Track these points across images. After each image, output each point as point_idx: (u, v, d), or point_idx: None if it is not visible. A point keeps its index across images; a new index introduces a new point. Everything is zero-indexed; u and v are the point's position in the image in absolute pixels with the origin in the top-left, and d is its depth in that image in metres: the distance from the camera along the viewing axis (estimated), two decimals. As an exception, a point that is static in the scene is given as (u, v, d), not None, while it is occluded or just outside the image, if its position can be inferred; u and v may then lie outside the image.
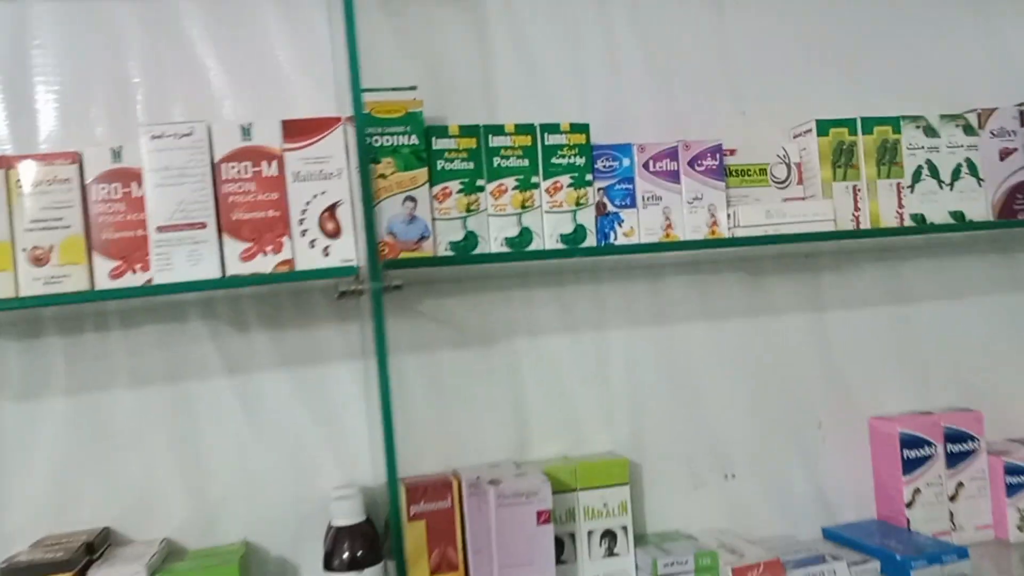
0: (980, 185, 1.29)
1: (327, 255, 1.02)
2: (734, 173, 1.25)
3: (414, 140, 1.10)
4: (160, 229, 0.98)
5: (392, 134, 1.09)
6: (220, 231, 0.99)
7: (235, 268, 0.99)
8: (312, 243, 1.01)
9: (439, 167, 1.12)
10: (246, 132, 1.01)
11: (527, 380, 1.26)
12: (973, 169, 1.29)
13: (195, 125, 0.99)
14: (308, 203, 1.02)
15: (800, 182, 1.29)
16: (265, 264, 1.00)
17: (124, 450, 1.14)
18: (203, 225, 0.99)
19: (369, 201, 0.87)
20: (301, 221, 1.01)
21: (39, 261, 0.99)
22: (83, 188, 1.00)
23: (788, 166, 1.28)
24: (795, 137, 1.31)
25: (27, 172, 0.98)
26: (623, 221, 1.19)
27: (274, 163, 1.01)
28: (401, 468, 1.19)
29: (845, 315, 1.39)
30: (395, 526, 0.86)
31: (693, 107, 1.34)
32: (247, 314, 1.17)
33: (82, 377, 1.13)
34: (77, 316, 1.13)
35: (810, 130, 1.26)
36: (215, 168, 1.00)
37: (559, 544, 1.16)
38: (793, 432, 1.36)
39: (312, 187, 1.02)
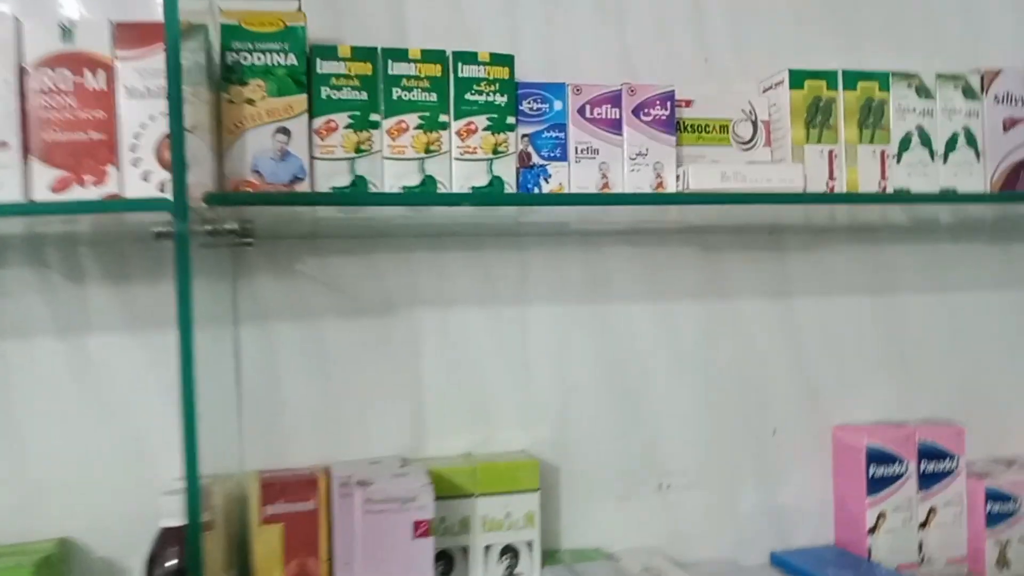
0: (979, 159, 1.09)
1: (163, 191, 0.82)
2: (688, 128, 1.05)
3: (292, 60, 0.89)
4: (-50, 146, 0.78)
5: (265, 51, 0.89)
6: (26, 153, 0.79)
7: (46, 198, 0.79)
8: (146, 176, 0.81)
9: (323, 95, 0.92)
10: (67, 33, 0.80)
11: (429, 360, 1.07)
12: (971, 140, 1.09)
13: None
14: (143, 126, 0.82)
15: (768, 143, 1.09)
16: (87, 196, 0.80)
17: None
18: (3, 144, 0.78)
19: (176, 107, 0.67)
20: (133, 148, 0.81)
21: None
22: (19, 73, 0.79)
23: (755, 124, 1.08)
24: (765, 91, 1.11)
25: None
26: (550, 176, 0.99)
27: (101, 74, 0.81)
28: (265, 459, 1.00)
29: (814, 303, 1.19)
30: (192, 531, 0.66)
31: (645, 46, 1.13)
32: (84, 262, 0.97)
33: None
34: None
35: (782, 82, 1.06)
36: (23, 75, 0.79)
37: (447, 560, 0.97)
38: (745, 437, 1.17)
39: (149, 106, 0.81)
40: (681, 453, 1.14)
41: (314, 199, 0.89)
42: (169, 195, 0.73)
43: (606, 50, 1.12)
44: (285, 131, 0.89)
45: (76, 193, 0.80)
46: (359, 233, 1.04)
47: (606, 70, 1.11)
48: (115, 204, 0.79)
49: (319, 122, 0.91)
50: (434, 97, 0.95)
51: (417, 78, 0.94)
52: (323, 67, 0.92)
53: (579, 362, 1.11)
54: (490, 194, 0.96)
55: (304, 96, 0.90)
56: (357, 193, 0.92)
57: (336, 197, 0.91)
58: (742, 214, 1.06)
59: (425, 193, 0.94)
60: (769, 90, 1.09)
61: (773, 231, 1.18)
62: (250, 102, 0.88)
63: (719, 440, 1.15)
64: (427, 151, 0.94)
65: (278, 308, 1.02)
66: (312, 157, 0.91)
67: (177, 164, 0.67)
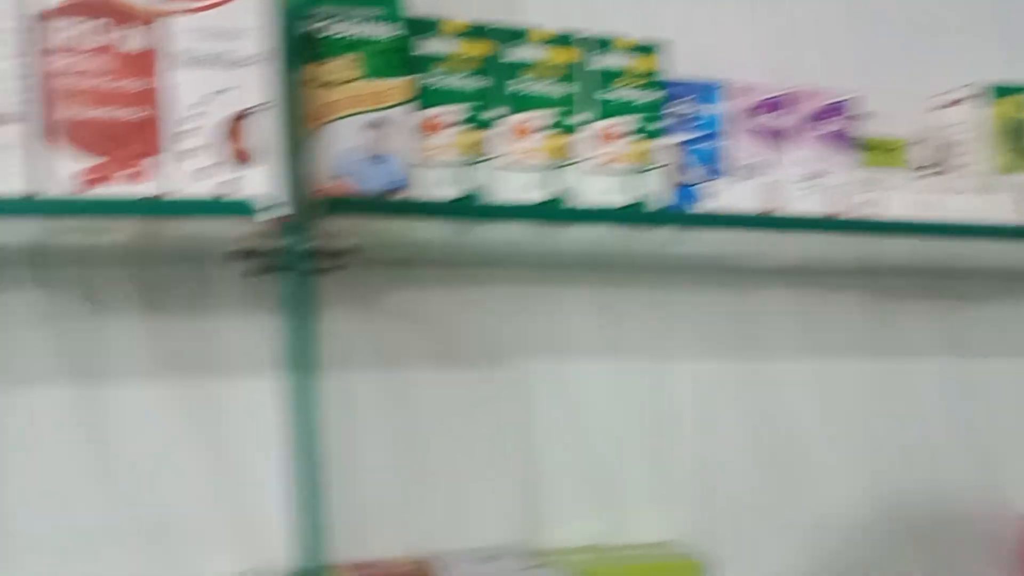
0: None
1: (227, 193, 0.59)
2: (870, 147, 0.84)
3: (389, 32, 0.68)
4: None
5: (353, 20, 0.68)
6: (42, 133, 0.57)
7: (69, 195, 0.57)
8: (204, 169, 0.59)
9: (429, 84, 0.70)
10: None
11: (545, 422, 0.84)
12: None
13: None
14: (201, 104, 0.60)
15: (947, 170, 0.88)
16: (121, 195, 0.58)
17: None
18: (6, 118, 0.56)
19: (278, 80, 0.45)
20: (188, 133, 0.59)
21: None
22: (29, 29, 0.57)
23: (935, 146, 0.88)
24: (942, 108, 0.90)
25: None
26: (702, 196, 0.78)
27: (141, 30, 0.59)
28: (339, 545, 0.76)
29: (1000, 364, 0.97)
30: None
31: (809, 45, 0.93)
32: (112, 287, 0.73)
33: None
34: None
35: (972, 97, 0.86)
36: (35, 29, 0.57)
37: None
38: (916, 526, 0.94)
39: (210, 78, 0.60)
40: (844, 549, 0.91)
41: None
42: (249, 198, 0.51)
43: (758, 39, 0.92)
44: (380, 124, 0.67)
45: (107, 191, 0.57)
46: (458, 261, 0.82)
47: (757, 63, 0.91)
48: (175, 205, 0.55)
49: (423, 117, 0.70)
50: (566, 91, 0.74)
51: (545, 66, 0.74)
52: (428, 46, 0.71)
53: (728, 428, 0.89)
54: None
55: (404, 81, 0.68)
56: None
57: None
58: (929, 253, 0.85)
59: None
60: (949, 107, 0.89)
61: (948, 277, 0.96)
62: (334, 85, 0.67)
63: (886, 528, 0.93)
64: (556, 159, 0.73)
65: (358, 352, 0.78)
66: (413, 162, 0.69)
67: (286, 159, 0.45)
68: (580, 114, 0.74)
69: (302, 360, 0.44)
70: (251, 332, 0.74)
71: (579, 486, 0.85)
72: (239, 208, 0.50)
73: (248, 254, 0.59)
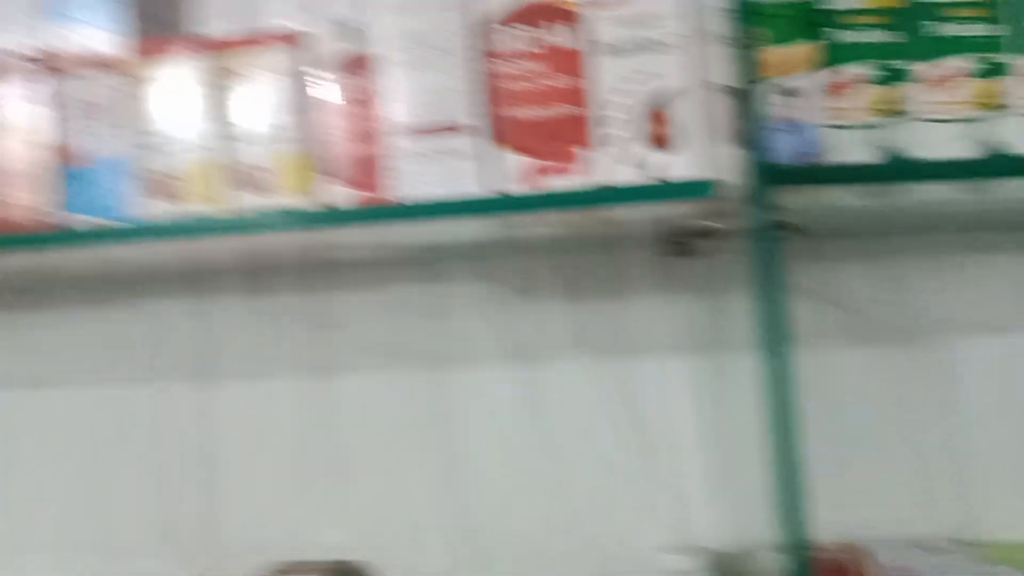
0: None
1: (651, 175, 0.62)
2: None
3: (798, -6, 0.67)
4: (401, 136, 0.64)
5: (763, -13, 0.67)
6: (489, 137, 0.64)
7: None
8: (629, 158, 0.63)
9: (835, 41, 0.68)
10: None
11: (976, 400, 0.78)
12: None
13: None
14: (623, 93, 0.63)
15: None
16: (553, 189, 0.63)
17: (371, 452, 0.84)
18: (462, 128, 0.64)
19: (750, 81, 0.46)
20: (612, 121, 0.63)
21: (253, 186, 0.70)
22: (309, 84, 0.69)
23: None
24: None
25: (235, 60, 0.70)
26: None
27: (570, 27, 0.63)
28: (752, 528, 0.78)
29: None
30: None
31: None
32: (534, 273, 0.81)
33: (319, 350, 0.85)
34: (313, 266, 0.85)
35: None
36: (478, 40, 0.64)
37: None
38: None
39: (630, 66, 0.63)
40: None
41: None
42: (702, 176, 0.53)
43: None
44: (794, 92, 0.66)
45: (542, 184, 0.63)
46: (874, 230, 0.78)
47: None
48: (634, 192, 0.59)
49: (829, 76, 0.67)
50: (990, 31, 0.67)
51: (967, 4, 0.67)
52: (837, 1, 0.68)
53: None
54: None
55: (814, 44, 0.66)
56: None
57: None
58: None
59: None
60: None
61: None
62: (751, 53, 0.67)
63: None
64: (985, 106, 0.66)
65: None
66: (823, 126, 0.67)
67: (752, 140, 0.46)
68: (1012, 54, 0.66)
69: (774, 337, 0.45)
70: (667, 313, 0.77)
71: (1018, 474, 0.77)
72: (686, 190, 0.52)
73: (689, 235, 0.62)
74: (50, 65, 0.72)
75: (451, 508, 0.82)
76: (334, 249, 0.78)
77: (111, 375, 0.88)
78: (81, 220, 0.71)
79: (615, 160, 0.62)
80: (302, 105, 0.68)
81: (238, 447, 0.86)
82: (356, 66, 0.67)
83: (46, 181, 0.72)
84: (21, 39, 0.85)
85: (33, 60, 0.73)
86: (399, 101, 0.64)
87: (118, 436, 0.88)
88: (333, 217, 0.64)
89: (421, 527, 0.83)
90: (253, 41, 0.70)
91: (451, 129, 0.63)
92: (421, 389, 0.83)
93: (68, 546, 0.88)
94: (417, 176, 0.64)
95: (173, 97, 0.70)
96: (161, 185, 0.70)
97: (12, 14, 0.84)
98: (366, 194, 0.67)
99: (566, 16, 0.63)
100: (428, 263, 0.83)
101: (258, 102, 0.69)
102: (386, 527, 0.83)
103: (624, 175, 0.62)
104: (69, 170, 0.72)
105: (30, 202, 0.72)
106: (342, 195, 0.68)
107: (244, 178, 0.69)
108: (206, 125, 0.69)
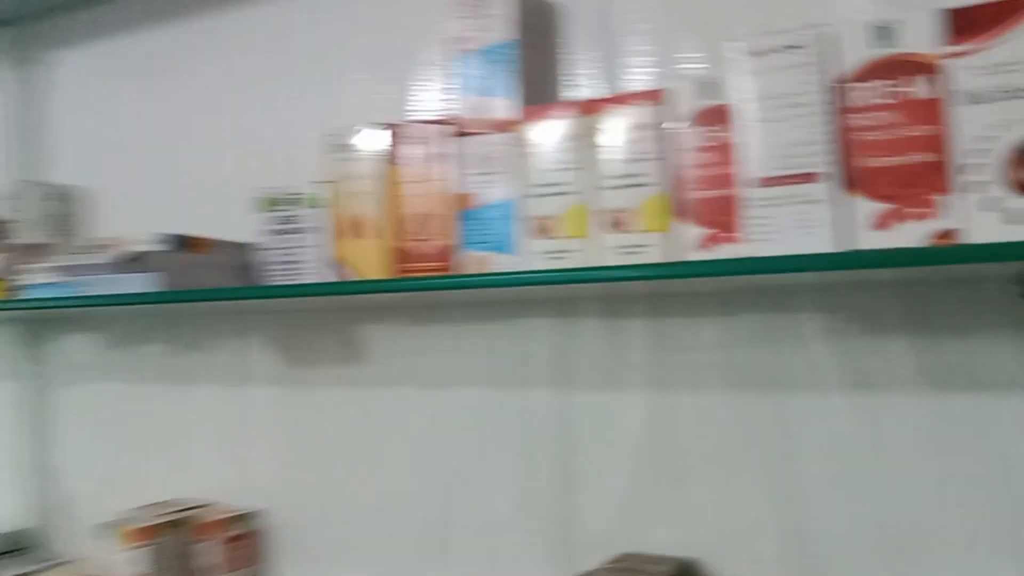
0: None
1: (1010, 223, 0.63)
2: None
3: None
4: (756, 184, 0.71)
5: None
6: (842, 185, 0.68)
7: (864, 239, 0.67)
8: (988, 203, 0.63)
9: None
10: (884, 34, 0.67)
11: None
12: None
13: (806, 34, 0.69)
14: (985, 140, 0.64)
15: None
16: (911, 234, 0.66)
17: (709, 463, 0.91)
18: (817, 177, 0.68)
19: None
20: (970, 168, 0.64)
21: (617, 226, 0.81)
22: (668, 136, 0.78)
23: None
24: None
25: (604, 119, 0.81)
26: None
27: (927, 79, 0.66)
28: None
29: None
30: None
31: None
32: (879, 308, 0.84)
33: (665, 369, 0.94)
34: (662, 295, 0.94)
35: None
36: (835, 93, 0.68)
37: None
38: None
39: (992, 113, 0.63)
40: None
41: None
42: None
43: None
44: None
45: (899, 231, 0.66)
46: None
47: None
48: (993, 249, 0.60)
49: None
50: None
51: None
52: None
53: None
54: None
55: None
56: None
57: None
58: None
59: None
60: None
61: None
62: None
63: None
64: None
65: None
66: None
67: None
68: None
69: None
70: (1018, 353, 0.76)
71: None
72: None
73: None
74: (457, 128, 0.89)
75: (784, 519, 0.87)
76: (681, 283, 0.86)
77: (490, 379, 1.04)
78: (475, 256, 0.86)
79: (976, 206, 0.63)
80: (662, 153, 0.77)
81: (590, 450, 0.98)
82: (714, 118, 0.75)
83: (452, 223, 0.88)
84: (435, 108, 1.04)
85: (444, 124, 0.89)
86: (754, 151, 0.70)
87: (491, 432, 1.03)
88: (693, 269, 0.72)
89: (755, 534, 0.88)
90: (619, 100, 0.80)
91: (806, 177, 0.68)
92: (759, 410, 0.89)
93: (440, 524, 1.05)
94: (770, 221, 0.70)
95: (551, 151, 0.82)
96: (540, 225, 0.83)
97: (429, 90, 1.03)
98: (720, 234, 0.74)
99: (924, 68, 0.65)
100: (771, 295, 0.88)
101: (622, 152, 0.79)
102: (722, 531, 0.90)
103: (984, 221, 0.63)
104: (467, 213, 0.87)
105: (441, 240, 0.88)
106: (696, 235, 0.76)
107: (609, 219, 0.79)
108: (578, 174, 0.81)
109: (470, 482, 1.04)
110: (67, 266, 1.02)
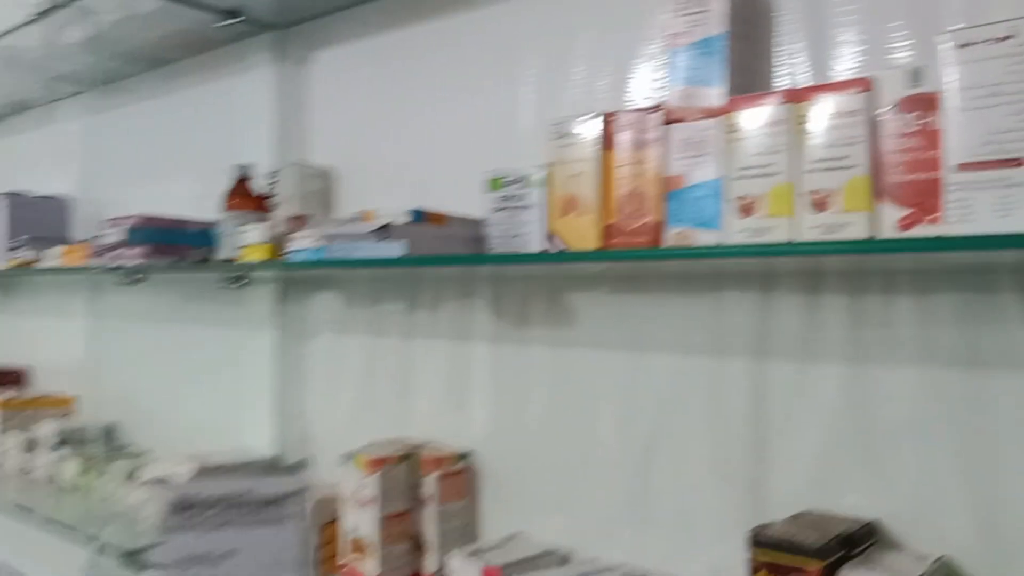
0: None
1: None
2: None
3: None
4: (959, 168, 0.75)
5: None
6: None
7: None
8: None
9: None
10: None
11: None
12: None
13: (1018, 24, 0.72)
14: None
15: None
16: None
17: (900, 436, 0.96)
18: (1019, 163, 0.72)
19: None
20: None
21: (819, 206, 0.87)
22: (873, 121, 0.83)
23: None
24: None
25: (811, 106, 0.86)
26: None
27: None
28: None
29: None
30: None
31: None
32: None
33: (862, 345, 0.98)
34: (861, 273, 0.98)
35: None
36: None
37: None
38: None
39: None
40: None
41: None
42: None
43: None
44: None
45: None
46: None
47: None
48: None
49: None
50: None
51: None
52: None
53: None
54: None
55: None
56: None
57: None
58: None
59: None
60: None
61: None
62: None
63: None
64: None
65: None
66: None
67: None
68: None
69: None
70: None
71: None
72: None
73: None
74: (668, 115, 0.97)
75: (977, 494, 0.90)
76: (880, 261, 0.91)
77: (688, 347, 1.12)
78: (680, 232, 0.95)
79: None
80: (867, 137, 0.82)
81: (783, 417, 1.04)
82: (920, 104, 0.79)
83: (659, 202, 0.97)
84: (649, 97, 1.14)
85: (656, 112, 0.98)
86: (959, 137, 0.74)
87: (687, 396, 1.12)
88: (893, 246, 0.78)
89: (945, 507, 0.92)
90: (827, 88, 0.86)
91: (1010, 163, 0.72)
92: (955, 386, 0.92)
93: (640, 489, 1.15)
94: (971, 204, 0.73)
95: (758, 135, 0.89)
96: (745, 205, 0.90)
97: (645, 80, 1.12)
98: (919, 215, 0.79)
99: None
100: (968, 275, 0.91)
101: (828, 136, 0.85)
102: (911, 501, 0.94)
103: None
104: (674, 193, 0.96)
105: (649, 217, 0.98)
106: (896, 216, 0.80)
107: (812, 199, 0.86)
108: (783, 155, 0.87)
109: (666, 442, 1.13)
110: (328, 234, 1.20)
